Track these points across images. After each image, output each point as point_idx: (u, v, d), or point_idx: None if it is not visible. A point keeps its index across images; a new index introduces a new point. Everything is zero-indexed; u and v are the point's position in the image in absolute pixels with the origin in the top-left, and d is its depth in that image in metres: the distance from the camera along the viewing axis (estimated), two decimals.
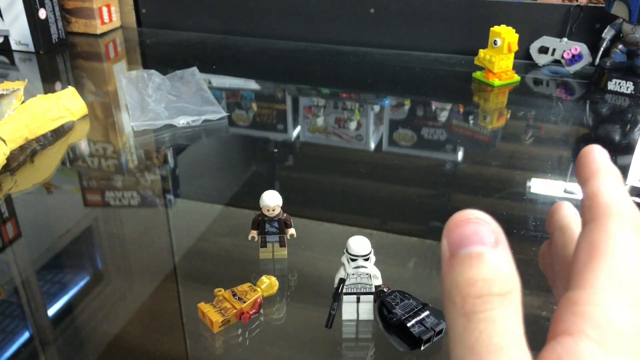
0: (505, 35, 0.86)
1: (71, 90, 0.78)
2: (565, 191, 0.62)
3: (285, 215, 0.48)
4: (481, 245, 0.18)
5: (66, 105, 0.75)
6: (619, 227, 0.19)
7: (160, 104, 0.79)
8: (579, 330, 0.17)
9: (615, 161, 0.70)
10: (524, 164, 0.68)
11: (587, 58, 0.92)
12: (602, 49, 0.88)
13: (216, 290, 0.44)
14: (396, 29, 1.07)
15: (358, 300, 0.42)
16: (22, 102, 0.72)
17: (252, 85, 0.95)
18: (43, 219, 0.60)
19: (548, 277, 0.27)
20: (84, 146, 0.73)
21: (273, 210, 0.47)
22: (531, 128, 0.78)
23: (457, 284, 0.18)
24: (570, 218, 0.26)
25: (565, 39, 0.94)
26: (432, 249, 0.53)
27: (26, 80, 0.78)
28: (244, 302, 0.42)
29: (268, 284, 0.45)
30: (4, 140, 0.65)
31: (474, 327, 0.17)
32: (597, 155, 0.22)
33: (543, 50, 0.97)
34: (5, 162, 0.64)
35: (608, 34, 0.88)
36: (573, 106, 0.86)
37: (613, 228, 0.19)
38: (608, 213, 0.19)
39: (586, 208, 0.20)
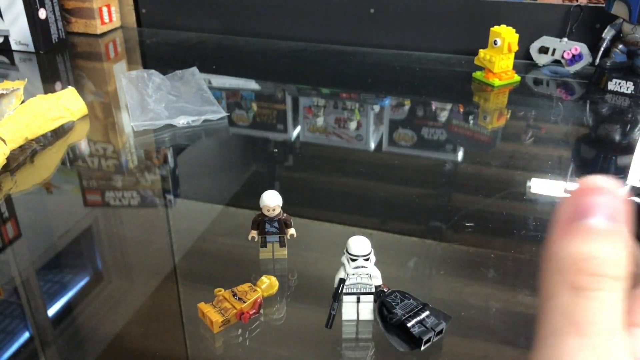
0: (505, 35, 0.86)
1: (71, 90, 0.78)
2: (566, 191, 0.62)
3: (285, 215, 0.48)
4: (610, 220, 0.16)
5: (66, 105, 0.75)
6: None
7: (160, 104, 0.79)
8: None
9: (615, 161, 0.70)
10: (524, 164, 0.68)
11: (587, 58, 0.92)
12: (602, 49, 0.88)
13: (216, 290, 0.44)
14: (396, 29, 1.07)
15: (358, 300, 0.42)
16: (22, 102, 0.72)
17: (252, 85, 0.95)
18: (43, 219, 0.60)
19: None
20: (84, 146, 0.73)
21: (273, 210, 0.47)
22: (531, 128, 0.78)
23: (571, 255, 0.16)
24: None
25: (565, 39, 0.94)
26: (432, 249, 0.53)
27: (26, 79, 0.78)
28: (244, 302, 0.42)
29: (268, 284, 0.45)
30: (4, 140, 0.65)
31: (583, 303, 0.16)
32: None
33: (543, 50, 0.97)
34: (5, 162, 0.64)
35: (608, 34, 0.88)
36: (573, 106, 0.86)
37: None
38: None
39: None
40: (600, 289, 0.16)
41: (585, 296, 0.16)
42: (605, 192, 0.16)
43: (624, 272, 0.16)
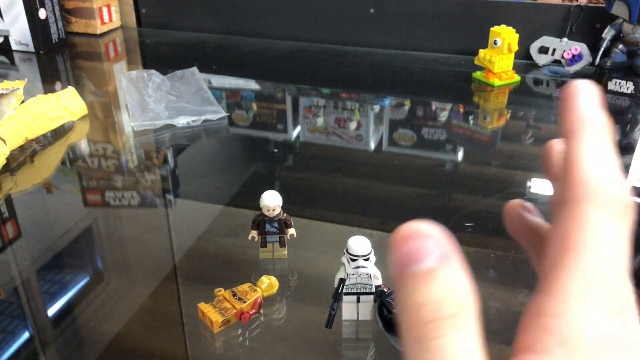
0: (505, 35, 0.86)
1: (71, 90, 0.78)
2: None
3: (285, 215, 0.48)
4: (426, 261, 0.16)
5: (66, 105, 0.75)
6: (596, 215, 0.16)
7: (160, 104, 0.79)
8: (543, 349, 0.15)
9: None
10: (524, 164, 0.68)
11: (587, 58, 0.92)
12: (602, 49, 0.88)
13: (216, 290, 0.44)
14: (396, 29, 1.07)
15: (358, 300, 0.42)
16: (22, 102, 0.72)
17: (252, 85, 0.95)
18: (43, 219, 0.60)
19: (523, 246, 0.23)
20: (84, 146, 0.73)
21: (273, 210, 0.47)
22: (531, 128, 0.78)
23: (406, 308, 0.16)
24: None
25: (565, 39, 0.94)
26: None
27: (26, 79, 0.78)
28: (244, 302, 0.42)
29: (268, 284, 0.45)
30: (4, 140, 0.65)
31: (426, 356, 0.15)
32: (582, 101, 0.18)
33: (543, 50, 0.97)
34: (5, 162, 0.64)
35: (608, 34, 0.88)
36: None
37: (589, 216, 0.16)
38: (584, 195, 0.17)
39: (563, 181, 0.17)
40: (438, 336, 0.15)
41: (428, 348, 0.15)
42: (416, 235, 0.16)
43: (460, 305, 0.15)
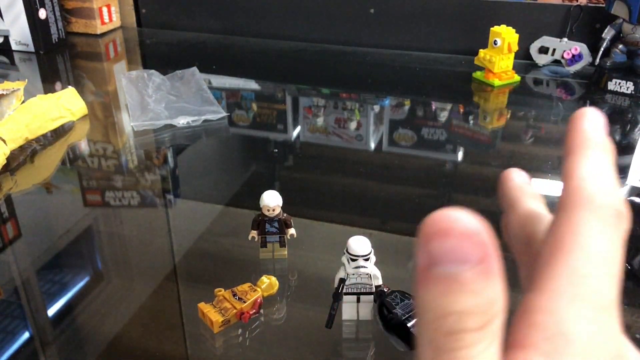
0: (505, 35, 0.86)
1: (71, 90, 0.78)
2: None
3: (285, 215, 0.48)
4: (461, 264, 0.14)
5: (66, 105, 0.75)
6: (588, 219, 0.17)
7: (160, 104, 0.79)
8: (531, 344, 0.15)
9: (615, 161, 0.70)
10: (524, 164, 0.68)
11: (587, 58, 0.92)
12: (602, 49, 0.88)
13: (216, 290, 0.44)
14: (396, 29, 1.07)
15: (358, 300, 0.42)
16: (22, 102, 0.72)
17: (252, 85, 0.95)
18: (43, 219, 0.60)
19: (514, 252, 0.23)
20: (84, 146, 0.73)
21: (273, 210, 0.47)
22: (531, 128, 0.78)
23: (428, 312, 0.14)
24: (518, 191, 0.23)
25: (565, 39, 0.94)
26: None
27: (26, 80, 0.78)
28: (244, 302, 0.42)
29: (268, 284, 0.45)
30: (4, 140, 0.65)
31: None
32: (587, 123, 0.19)
33: (543, 50, 0.97)
34: (5, 162, 0.64)
35: (608, 34, 0.88)
36: (573, 106, 0.86)
37: (582, 220, 0.17)
38: (579, 201, 0.17)
39: (561, 191, 0.18)
40: (461, 348, 0.14)
41: (445, 357, 0.14)
42: (457, 231, 0.14)
43: (489, 316, 0.14)
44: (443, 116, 0.83)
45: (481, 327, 0.14)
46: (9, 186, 0.63)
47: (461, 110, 0.85)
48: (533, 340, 0.15)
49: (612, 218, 0.17)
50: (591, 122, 0.19)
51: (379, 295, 0.41)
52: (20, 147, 0.69)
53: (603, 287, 0.16)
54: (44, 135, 0.72)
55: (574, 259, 0.16)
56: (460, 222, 0.14)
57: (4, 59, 1.04)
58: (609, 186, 0.18)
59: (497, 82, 0.89)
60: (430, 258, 0.14)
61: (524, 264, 0.21)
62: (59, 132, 0.74)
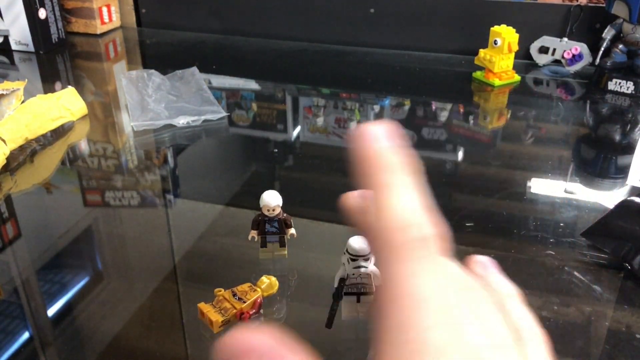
0: (505, 35, 0.86)
1: (71, 90, 0.78)
2: (566, 191, 0.62)
3: (285, 215, 0.48)
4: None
5: (66, 105, 0.75)
6: (390, 264, 0.17)
7: (160, 104, 0.79)
8: None
9: (615, 161, 0.70)
10: (524, 164, 0.68)
11: (587, 58, 0.92)
12: (602, 49, 0.88)
13: (216, 290, 0.44)
14: (396, 29, 1.07)
15: (358, 300, 0.42)
16: (22, 102, 0.72)
17: (252, 85, 0.95)
18: (43, 219, 0.60)
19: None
20: (84, 146, 0.73)
21: (273, 210, 0.47)
22: (531, 128, 0.78)
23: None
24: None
25: (565, 39, 0.94)
26: None
27: (26, 80, 0.78)
28: (244, 302, 0.42)
29: (268, 284, 0.45)
30: (4, 140, 0.65)
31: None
32: (364, 149, 0.21)
33: (543, 50, 0.97)
34: (5, 162, 0.64)
35: (608, 34, 0.88)
36: (573, 106, 0.86)
37: (385, 268, 0.17)
38: (378, 247, 0.18)
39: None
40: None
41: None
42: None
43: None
44: (443, 116, 0.83)
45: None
46: (9, 186, 0.63)
47: (461, 110, 0.85)
48: None
49: (417, 251, 0.17)
50: (378, 141, 0.20)
51: None
52: (20, 147, 0.69)
53: (433, 333, 0.16)
54: (44, 136, 0.72)
55: (395, 314, 0.16)
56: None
57: (4, 59, 1.04)
58: (403, 215, 0.18)
59: (497, 82, 0.89)
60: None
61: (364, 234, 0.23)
62: (59, 132, 0.74)
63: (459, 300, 0.17)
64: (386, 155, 0.20)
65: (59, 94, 0.76)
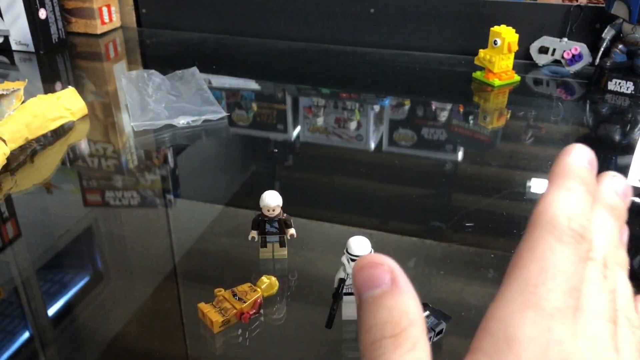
0: (505, 35, 0.86)
1: (71, 90, 0.78)
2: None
3: (285, 215, 0.48)
4: (376, 288, 0.18)
5: (66, 105, 0.75)
6: (546, 238, 0.19)
7: (160, 104, 0.79)
8: (478, 347, 0.18)
9: (615, 161, 0.70)
10: (524, 164, 0.68)
11: (587, 58, 0.92)
12: (602, 49, 0.88)
13: (216, 290, 0.44)
14: (396, 29, 1.07)
15: None
16: (23, 102, 0.72)
17: (252, 85, 0.95)
18: (43, 219, 0.60)
19: None
20: (84, 146, 0.73)
21: (273, 210, 0.47)
22: (531, 128, 0.78)
23: (360, 330, 0.18)
24: None
25: (565, 39, 0.94)
26: (432, 249, 0.53)
27: (26, 80, 0.78)
28: (244, 302, 0.42)
29: (268, 284, 0.45)
30: (4, 140, 0.65)
31: None
32: (571, 157, 0.21)
33: (543, 50, 0.97)
34: (5, 162, 0.64)
35: (608, 34, 0.88)
36: (573, 106, 0.86)
37: (540, 238, 0.19)
38: (540, 222, 0.19)
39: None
40: (380, 355, 0.17)
41: None
42: (368, 265, 0.19)
43: (403, 325, 0.18)
44: (443, 116, 0.83)
45: (397, 334, 0.17)
46: (9, 186, 0.63)
47: (461, 110, 0.85)
48: (481, 344, 0.18)
49: (570, 238, 0.19)
50: (575, 156, 0.21)
51: None
52: (21, 147, 0.69)
53: (552, 296, 0.18)
54: (44, 136, 0.72)
55: (527, 272, 0.18)
56: (372, 257, 0.19)
57: (4, 59, 1.04)
58: (573, 211, 0.20)
59: (497, 82, 0.89)
60: (358, 289, 0.19)
61: None
62: (59, 132, 0.74)
63: (588, 288, 0.19)
64: (577, 172, 0.21)
65: (59, 94, 0.76)
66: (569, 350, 0.17)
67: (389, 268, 0.19)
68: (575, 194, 0.20)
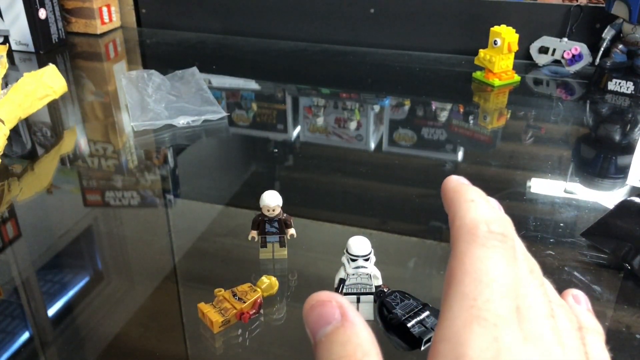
0: (505, 35, 0.86)
1: (52, 67, 0.77)
2: (566, 191, 0.62)
3: (285, 215, 0.48)
4: (327, 325, 0.19)
5: (49, 83, 0.76)
6: (469, 248, 0.19)
7: (160, 104, 0.79)
8: None
9: (615, 161, 0.70)
10: (524, 164, 0.68)
11: (587, 58, 0.92)
12: (602, 49, 0.88)
13: (216, 290, 0.44)
14: (396, 29, 1.07)
15: (358, 301, 0.42)
16: (7, 69, 0.73)
17: (252, 85, 0.95)
18: (43, 219, 0.60)
19: None
20: (84, 146, 0.73)
21: (273, 210, 0.47)
22: (531, 128, 0.78)
23: None
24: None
25: (565, 39, 0.94)
26: (432, 249, 0.53)
27: (7, 45, 0.78)
28: (244, 302, 0.42)
29: (268, 284, 0.45)
30: (2, 121, 0.65)
31: None
32: (452, 181, 0.23)
33: (543, 50, 0.97)
34: (6, 142, 0.64)
35: (608, 34, 0.88)
36: (573, 106, 0.86)
37: (464, 251, 0.19)
38: (459, 236, 0.20)
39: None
40: None
41: None
42: (317, 304, 0.19)
43: (361, 356, 0.18)
44: (443, 116, 0.83)
45: None
46: (15, 193, 0.63)
47: (461, 110, 0.85)
48: None
49: (495, 241, 0.20)
50: (455, 179, 0.23)
51: (379, 295, 0.41)
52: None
53: (492, 305, 0.18)
54: (44, 135, 0.72)
55: (462, 286, 0.19)
56: (314, 298, 0.19)
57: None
58: (487, 216, 0.20)
59: (497, 82, 0.89)
60: (311, 330, 0.19)
61: None
62: (59, 133, 0.74)
63: (521, 287, 0.19)
64: (470, 187, 0.23)
65: (42, 71, 0.76)
66: (519, 354, 0.18)
67: (337, 303, 0.19)
68: (479, 202, 0.21)
